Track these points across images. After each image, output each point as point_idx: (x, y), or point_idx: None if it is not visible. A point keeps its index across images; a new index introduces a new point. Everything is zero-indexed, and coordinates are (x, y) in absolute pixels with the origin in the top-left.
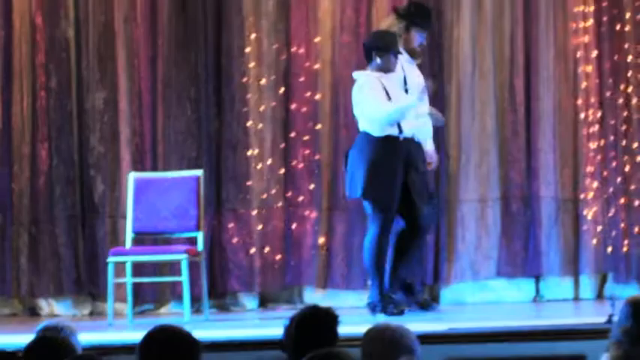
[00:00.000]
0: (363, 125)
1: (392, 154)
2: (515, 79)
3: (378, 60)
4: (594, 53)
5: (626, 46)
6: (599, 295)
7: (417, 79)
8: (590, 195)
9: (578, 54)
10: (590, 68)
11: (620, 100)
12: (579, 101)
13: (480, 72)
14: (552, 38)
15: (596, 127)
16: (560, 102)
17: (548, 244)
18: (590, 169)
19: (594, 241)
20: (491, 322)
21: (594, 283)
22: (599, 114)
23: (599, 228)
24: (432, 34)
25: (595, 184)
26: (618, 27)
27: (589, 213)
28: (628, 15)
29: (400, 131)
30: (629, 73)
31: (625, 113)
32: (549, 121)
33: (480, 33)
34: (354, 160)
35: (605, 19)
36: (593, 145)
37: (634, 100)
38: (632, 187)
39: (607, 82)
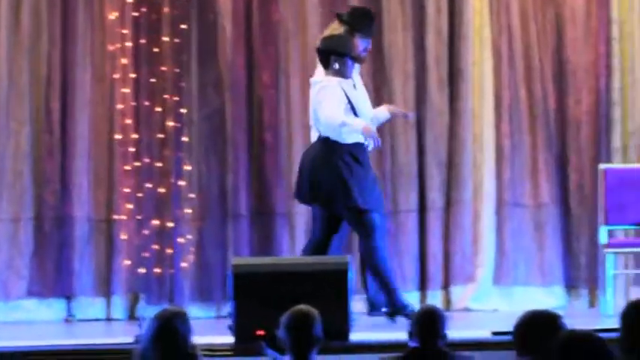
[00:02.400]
0: (326, 131)
1: (364, 159)
2: (51, 100)
3: (337, 65)
4: (132, 75)
5: (163, 68)
6: (131, 316)
7: (362, 86)
8: (124, 216)
9: (116, 75)
10: (127, 90)
11: (157, 122)
12: (115, 123)
13: (16, 92)
14: (90, 60)
15: (132, 149)
16: (96, 123)
17: (80, 264)
18: (124, 190)
19: (127, 262)
20: (22, 341)
21: (126, 304)
22: (135, 135)
23: (133, 249)
24: None
25: (129, 206)
26: (156, 49)
27: (122, 234)
28: (166, 38)
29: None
30: (166, 95)
31: (161, 135)
32: (85, 143)
33: (16, 53)
34: (321, 169)
35: (142, 41)
36: (128, 166)
37: (170, 123)
38: (166, 209)
39: (143, 104)
